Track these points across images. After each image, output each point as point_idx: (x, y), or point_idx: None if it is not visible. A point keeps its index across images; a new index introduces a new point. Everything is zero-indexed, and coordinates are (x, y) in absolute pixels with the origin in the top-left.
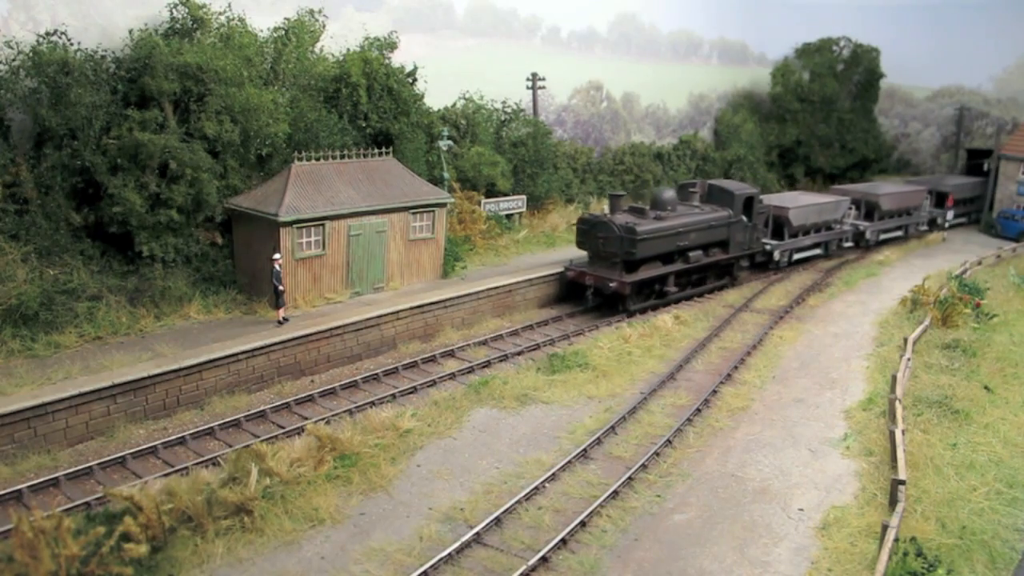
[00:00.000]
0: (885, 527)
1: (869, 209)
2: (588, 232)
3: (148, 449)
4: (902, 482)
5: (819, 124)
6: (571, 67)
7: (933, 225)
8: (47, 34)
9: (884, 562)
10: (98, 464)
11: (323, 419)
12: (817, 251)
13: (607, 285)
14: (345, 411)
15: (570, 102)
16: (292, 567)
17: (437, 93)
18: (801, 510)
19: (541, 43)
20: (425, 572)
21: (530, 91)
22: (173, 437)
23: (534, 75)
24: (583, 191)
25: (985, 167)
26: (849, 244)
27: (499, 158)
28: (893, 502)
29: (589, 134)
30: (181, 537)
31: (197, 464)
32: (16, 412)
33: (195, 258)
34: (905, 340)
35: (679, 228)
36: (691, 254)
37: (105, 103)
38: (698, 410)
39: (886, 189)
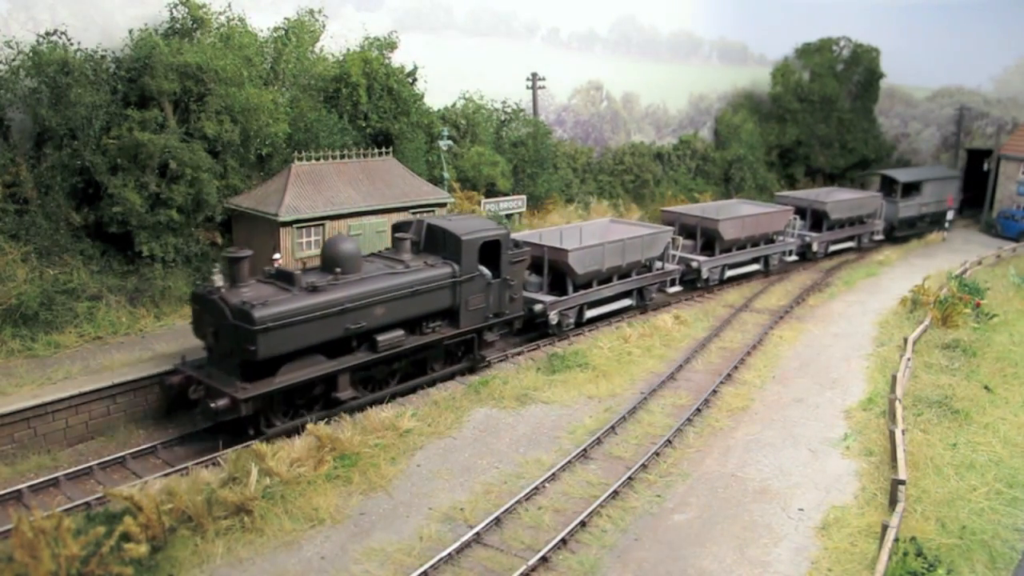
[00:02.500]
0: (885, 527)
1: (708, 239)
2: (201, 315)
3: (148, 449)
4: (902, 482)
5: (819, 124)
6: (571, 67)
7: (808, 251)
8: (47, 34)
9: (884, 562)
10: (98, 464)
11: (322, 419)
12: (626, 302)
13: (213, 401)
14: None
15: (570, 102)
16: (292, 567)
17: (437, 93)
18: (801, 510)
19: (541, 43)
20: (425, 572)
21: (530, 91)
22: (173, 436)
23: (534, 75)
24: (583, 191)
25: (986, 167)
26: (676, 288)
27: (499, 158)
28: (893, 502)
29: (589, 134)
30: (181, 537)
31: (197, 464)
32: (16, 412)
33: (195, 258)
34: (905, 340)
35: (347, 303)
36: (382, 337)
37: (105, 103)
38: (698, 410)
39: (732, 212)
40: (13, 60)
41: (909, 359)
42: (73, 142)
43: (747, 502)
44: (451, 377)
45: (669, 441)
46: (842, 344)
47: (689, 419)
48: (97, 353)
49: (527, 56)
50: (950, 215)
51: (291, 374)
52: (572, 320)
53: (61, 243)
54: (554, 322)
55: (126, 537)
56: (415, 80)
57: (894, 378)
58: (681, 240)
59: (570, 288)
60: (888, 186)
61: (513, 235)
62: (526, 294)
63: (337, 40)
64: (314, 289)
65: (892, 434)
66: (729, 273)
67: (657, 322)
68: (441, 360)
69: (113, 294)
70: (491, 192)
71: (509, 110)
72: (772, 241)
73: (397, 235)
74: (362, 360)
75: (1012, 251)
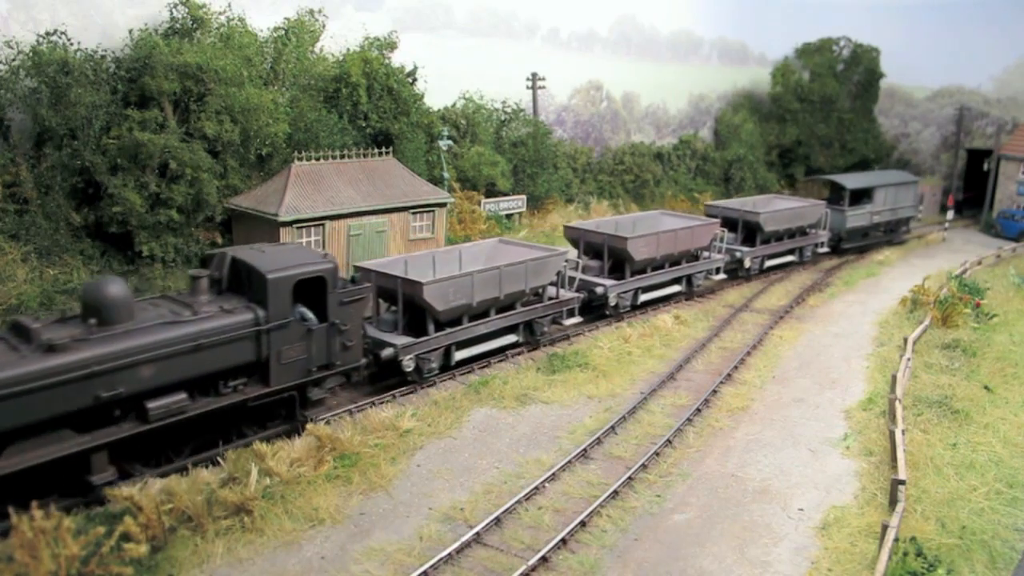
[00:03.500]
0: (885, 527)
1: (618, 260)
2: None
3: None
4: (902, 482)
5: (819, 124)
6: (571, 67)
7: (740, 268)
8: (47, 34)
9: (884, 562)
10: None
11: (323, 419)
12: (509, 338)
13: None
14: (345, 411)
15: (570, 102)
16: (292, 567)
17: (437, 93)
18: (801, 510)
19: (541, 43)
20: (425, 572)
21: (530, 91)
22: None
23: (534, 75)
24: (583, 191)
25: (986, 167)
26: (575, 320)
27: (499, 158)
28: (893, 502)
29: (589, 134)
30: (181, 537)
31: (197, 463)
32: None
33: (195, 258)
34: (905, 340)
35: (95, 364)
36: (154, 403)
37: (105, 103)
38: (698, 410)
39: (648, 228)
40: (13, 60)
41: (909, 359)
42: (73, 142)
43: (747, 502)
44: (271, 440)
45: (669, 441)
46: (842, 344)
47: (689, 419)
48: None
49: (527, 56)
50: (949, 215)
51: (19, 457)
52: (435, 364)
53: (61, 243)
54: (409, 368)
55: (126, 537)
56: (415, 80)
57: (894, 378)
58: (584, 262)
59: (431, 327)
60: (836, 193)
61: (366, 263)
62: (377, 335)
63: (337, 40)
64: (51, 348)
65: (892, 434)
66: (643, 297)
67: (657, 322)
68: (253, 426)
69: None
70: (491, 192)
71: (509, 110)
72: (696, 258)
73: (192, 272)
74: (126, 433)
75: (1012, 251)
